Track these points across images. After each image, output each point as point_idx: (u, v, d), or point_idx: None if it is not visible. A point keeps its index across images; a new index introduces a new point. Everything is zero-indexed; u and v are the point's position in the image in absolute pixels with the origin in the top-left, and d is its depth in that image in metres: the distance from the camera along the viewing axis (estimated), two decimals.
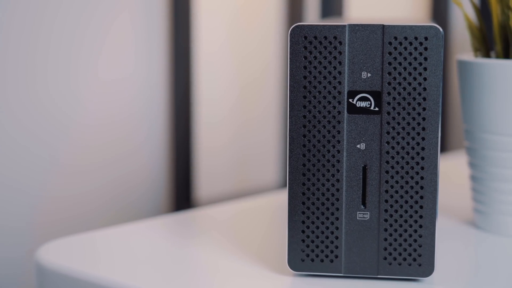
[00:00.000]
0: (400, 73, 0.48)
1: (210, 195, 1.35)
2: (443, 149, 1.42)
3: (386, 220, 0.50)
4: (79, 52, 1.13)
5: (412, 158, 0.49)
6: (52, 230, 1.12)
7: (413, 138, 0.49)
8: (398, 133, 0.49)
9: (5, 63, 1.04)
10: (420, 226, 0.50)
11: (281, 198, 0.72)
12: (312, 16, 1.41)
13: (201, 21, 1.30)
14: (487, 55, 0.61)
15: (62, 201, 1.13)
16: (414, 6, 1.51)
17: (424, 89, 0.48)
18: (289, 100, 0.49)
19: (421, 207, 0.49)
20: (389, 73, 0.49)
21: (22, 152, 1.06)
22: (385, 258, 0.50)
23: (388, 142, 0.49)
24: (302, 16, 1.39)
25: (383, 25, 0.48)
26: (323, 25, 0.49)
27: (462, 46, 1.42)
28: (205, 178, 1.34)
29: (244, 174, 1.42)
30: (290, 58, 0.49)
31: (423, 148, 0.49)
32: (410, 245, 0.50)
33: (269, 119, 1.44)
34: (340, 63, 0.49)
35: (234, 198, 1.30)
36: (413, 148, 0.49)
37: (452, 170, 0.86)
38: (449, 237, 0.60)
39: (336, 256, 0.50)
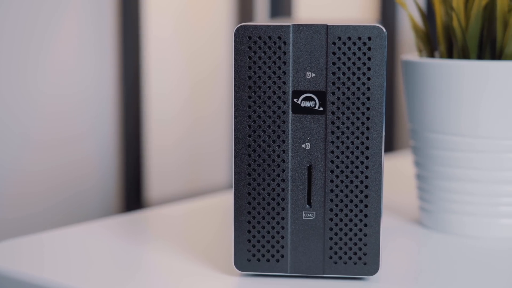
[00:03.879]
0: (344, 73, 0.49)
1: (160, 195, 1.34)
2: (391, 149, 1.44)
3: (331, 220, 0.50)
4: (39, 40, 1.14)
5: (357, 157, 0.49)
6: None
7: (357, 138, 0.49)
8: (343, 133, 0.49)
9: None
10: (365, 225, 0.50)
11: (232, 198, 0.71)
12: (261, 15, 1.41)
13: (150, 16, 1.29)
14: (431, 55, 0.62)
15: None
16: (363, 7, 1.52)
17: (368, 88, 0.49)
18: (234, 100, 0.49)
19: (365, 206, 0.50)
20: (333, 73, 0.49)
21: None
22: (331, 257, 0.50)
23: (332, 142, 0.49)
24: (252, 15, 1.39)
25: (327, 25, 0.49)
26: (267, 25, 0.49)
27: (409, 47, 1.44)
28: (155, 178, 1.33)
29: (195, 174, 1.41)
30: (235, 58, 0.49)
31: (367, 148, 0.49)
32: (355, 244, 0.50)
33: (220, 118, 1.44)
34: (284, 63, 0.49)
35: (185, 197, 1.30)
36: (357, 148, 0.49)
37: (398, 169, 0.87)
38: (395, 235, 0.61)
39: (282, 256, 0.50)
